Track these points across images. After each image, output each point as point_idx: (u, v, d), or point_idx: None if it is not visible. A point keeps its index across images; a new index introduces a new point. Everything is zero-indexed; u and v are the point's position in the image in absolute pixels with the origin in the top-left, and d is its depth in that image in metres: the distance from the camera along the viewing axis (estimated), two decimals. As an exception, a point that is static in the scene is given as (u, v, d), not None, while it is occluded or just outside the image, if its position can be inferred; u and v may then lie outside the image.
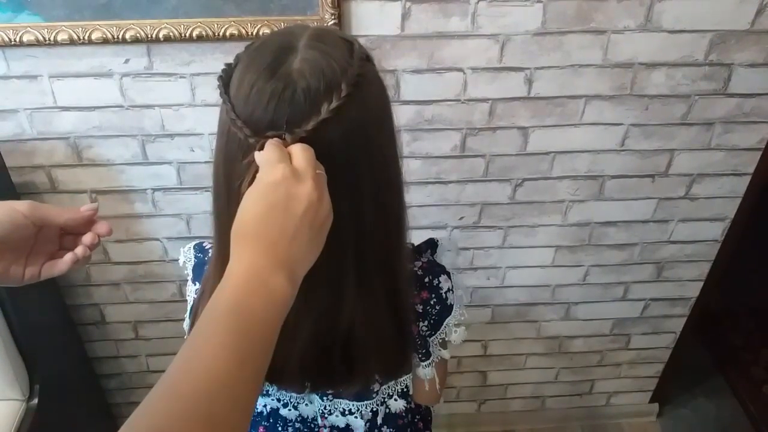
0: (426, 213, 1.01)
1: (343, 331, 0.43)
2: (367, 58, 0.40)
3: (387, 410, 0.58)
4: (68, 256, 0.42)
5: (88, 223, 0.42)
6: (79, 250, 0.42)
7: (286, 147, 0.36)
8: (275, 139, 0.36)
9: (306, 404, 0.59)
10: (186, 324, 0.53)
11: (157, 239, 1.01)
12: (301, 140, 0.36)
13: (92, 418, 1.19)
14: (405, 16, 0.80)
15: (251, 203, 0.34)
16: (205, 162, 0.92)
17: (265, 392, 0.60)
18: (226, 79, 0.39)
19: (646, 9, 0.81)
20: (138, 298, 1.09)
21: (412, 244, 0.56)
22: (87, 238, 0.42)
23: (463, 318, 0.54)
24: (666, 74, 0.88)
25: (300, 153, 0.35)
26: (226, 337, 0.30)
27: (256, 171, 0.36)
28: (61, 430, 1.02)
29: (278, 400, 0.59)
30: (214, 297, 0.32)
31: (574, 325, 1.20)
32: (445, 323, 0.53)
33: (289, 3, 0.77)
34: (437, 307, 0.52)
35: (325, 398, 0.57)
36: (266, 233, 0.33)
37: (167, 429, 0.26)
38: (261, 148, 0.36)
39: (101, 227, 0.43)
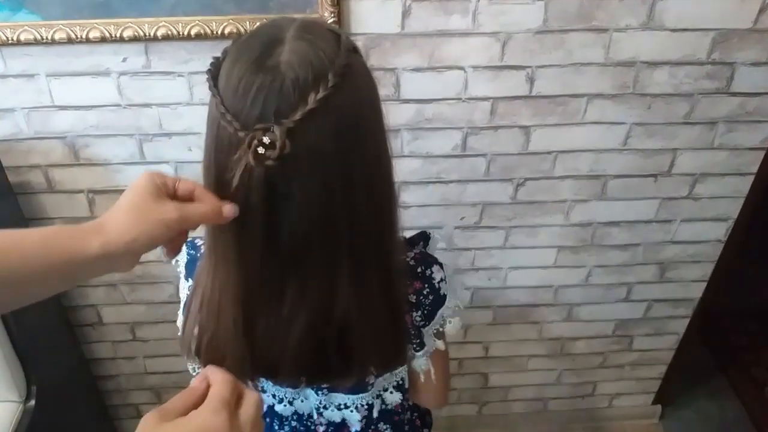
0: (426, 213, 1.00)
1: (338, 322, 0.43)
2: (354, 50, 0.40)
3: (383, 403, 0.58)
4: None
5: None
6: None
7: (273, 140, 0.34)
8: (229, 377, 0.35)
9: (301, 400, 0.58)
10: (179, 321, 0.53)
11: (156, 240, 1.01)
12: (289, 131, 0.35)
13: (89, 420, 1.18)
14: (405, 13, 0.79)
15: None
16: (204, 161, 0.92)
17: (260, 388, 0.59)
18: (214, 72, 0.39)
19: (648, 7, 0.81)
20: (135, 300, 1.08)
21: (404, 237, 0.55)
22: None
23: (458, 309, 0.54)
24: (668, 73, 0.87)
25: (250, 404, 0.34)
26: None
27: (247, 165, 0.36)
28: (57, 431, 1.01)
29: (273, 396, 0.59)
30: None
31: (577, 327, 1.19)
32: (438, 313, 0.53)
33: (288, 1, 0.77)
34: (430, 297, 0.52)
35: (320, 393, 0.56)
36: None
37: None
38: (251, 142, 0.35)
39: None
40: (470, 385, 1.29)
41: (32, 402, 0.91)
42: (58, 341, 1.06)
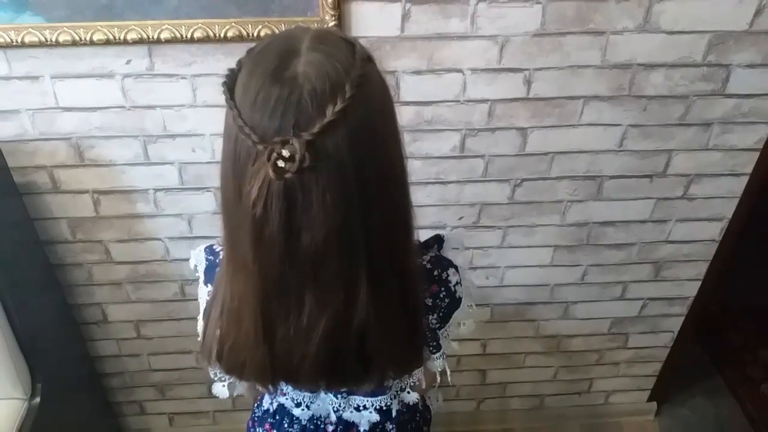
0: (425, 213, 1.01)
1: (357, 329, 0.43)
2: (369, 59, 0.40)
3: (400, 403, 0.59)
4: None
5: None
6: None
7: (293, 153, 0.35)
8: None
9: (318, 404, 0.59)
10: (200, 327, 0.53)
11: (159, 239, 1.02)
12: (308, 143, 0.36)
13: (94, 417, 1.19)
14: (405, 17, 0.80)
15: None
16: (207, 162, 0.93)
17: (281, 392, 0.60)
18: (230, 84, 0.39)
19: (645, 10, 0.82)
20: (140, 298, 1.09)
21: (419, 240, 0.56)
22: None
23: (471, 310, 0.54)
24: (664, 75, 0.88)
25: None
26: None
27: (266, 177, 0.36)
28: (63, 429, 1.02)
29: (293, 399, 0.60)
30: None
31: (573, 324, 1.21)
32: (453, 316, 0.54)
33: (289, 4, 0.78)
34: (446, 300, 0.53)
35: (338, 395, 0.57)
36: None
37: None
38: (270, 155, 0.36)
39: None
40: (468, 382, 1.31)
41: (37, 399, 0.92)
42: (63, 339, 1.07)
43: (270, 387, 0.49)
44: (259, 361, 0.44)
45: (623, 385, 1.35)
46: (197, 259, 0.57)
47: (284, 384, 0.55)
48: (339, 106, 0.36)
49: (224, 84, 0.39)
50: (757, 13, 0.83)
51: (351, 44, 0.40)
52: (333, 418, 0.59)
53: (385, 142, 0.41)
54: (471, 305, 0.55)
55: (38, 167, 0.92)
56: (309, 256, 0.39)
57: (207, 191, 0.96)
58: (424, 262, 0.52)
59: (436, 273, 0.52)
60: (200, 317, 0.54)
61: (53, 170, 0.92)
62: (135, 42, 0.78)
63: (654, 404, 1.40)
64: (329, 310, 0.42)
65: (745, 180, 1.01)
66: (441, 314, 0.53)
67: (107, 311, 1.11)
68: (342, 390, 0.57)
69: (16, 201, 0.92)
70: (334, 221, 0.38)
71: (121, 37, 0.78)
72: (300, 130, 0.36)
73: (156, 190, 0.96)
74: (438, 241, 0.57)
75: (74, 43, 0.78)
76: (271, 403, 0.62)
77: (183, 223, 1.00)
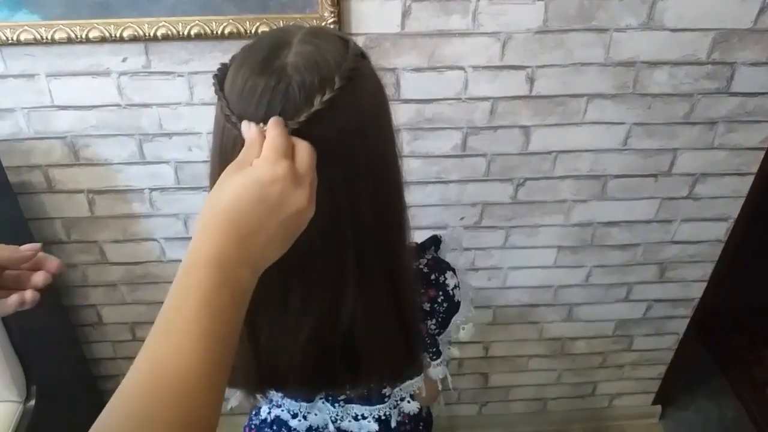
0: (426, 213, 1.00)
1: (344, 331, 0.42)
2: (363, 55, 0.40)
3: (400, 414, 0.58)
4: (14, 298, 0.38)
5: (31, 262, 0.40)
6: (28, 294, 0.39)
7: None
8: (278, 119, 0.34)
9: (315, 414, 0.58)
10: None
11: (155, 239, 1.01)
12: (294, 133, 0.35)
13: (89, 420, 1.17)
14: (405, 14, 0.79)
15: (241, 189, 0.32)
16: (203, 161, 0.92)
17: (276, 403, 0.59)
18: (221, 76, 0.39)
19: (649, 7, 0.81)
20: (135, 299, 1.08)
21: (416, 243, 0.55)
22: (38, 277, 0.40)
23: (470, 314, 0.53)
24: (668, 73, 0.87)
25: (305, 153, 0.34)
26: (199, 332, 0.29)
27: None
28: (57, 431, 1.01)
29: (288, 410, 0.58)
30: (185, 273, 0.31)
31: (577, 327, 1.19)
32: (453, 320, 0.52)
33: (288, 1, 0.77)
34: (445, 305, 0.52)
35: (336, 405, 0.56)
36: (246, 225, 0.32)
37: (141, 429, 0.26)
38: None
39: (51, 265, 0.40)
40: (470, 385, 1.29)
41: (32, 402, 0.91)
42: (58, 341, 1.06)
43: (258, 394, 0.47)
44: (245, 363, 0.43)
45: (628, 388, 1.33)
46: None
47: (275, 393, 0.54)
48: (327, 96, 0.35)
49: (215, 76, 0.39)
50: (762, 11, 0.82)
51: (345, 40, 0.39)
52: (331, 428, 0.58)
53: (377, 140, 0.40)
54: (471, 309, 0.54)
55: (33, 166, 0.91)
56: (294, 253, 0.38)
57: (204, 191, 0.95)
58: (421, 266, 0.51)
59: (433, 277, 0.51)
60: None
61: (48, 169, 0.91)
62: (131, 39, 0.78)
63: (659, 407, 1.38)
64: (316, 309, 0.41)
65: (750, 179, 1.00)
66: (440, 319, 0.52)
67: (102, 313, 1.10)
68: (339, 398, 0.56)
69: (10, 200, 0.91)
70: (319, 216, 0.37)
71: (117, 35, 0.77)
72: (286, 119, 0.35)
73: (152, 189, 0.95)
74: (435, 242, 0.56)
75: (70, 41, 0.77)
76: (269, 413, 0.61)
77: (179, 223, 0.99)
